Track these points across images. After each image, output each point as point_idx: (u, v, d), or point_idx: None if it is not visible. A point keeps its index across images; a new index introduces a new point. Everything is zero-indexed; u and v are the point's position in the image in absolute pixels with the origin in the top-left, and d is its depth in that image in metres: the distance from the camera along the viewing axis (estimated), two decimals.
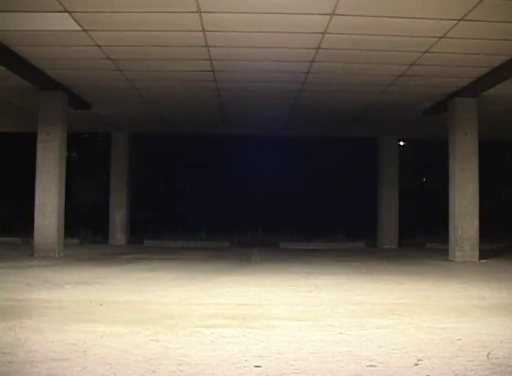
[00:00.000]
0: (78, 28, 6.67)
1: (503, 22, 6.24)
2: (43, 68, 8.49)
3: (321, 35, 6.88)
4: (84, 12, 6.23)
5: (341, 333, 3.46)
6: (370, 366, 2.70)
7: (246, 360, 2.77)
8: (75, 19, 6.41)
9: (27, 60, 8.02)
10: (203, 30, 6.76)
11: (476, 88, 8.96)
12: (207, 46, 7.36)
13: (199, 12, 6.16)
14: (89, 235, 13.84)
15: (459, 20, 6.24)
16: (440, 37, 6.83)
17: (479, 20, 6.22)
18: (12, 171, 16.58)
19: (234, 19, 6.44)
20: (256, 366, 2.66)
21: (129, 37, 7.09)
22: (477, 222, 9.54)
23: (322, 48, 7.37)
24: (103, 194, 15.24)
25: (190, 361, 2.75)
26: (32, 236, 9.64)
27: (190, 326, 3.63)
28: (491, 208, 14.03)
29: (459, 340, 3.26)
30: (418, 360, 2.78)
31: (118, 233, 13.96)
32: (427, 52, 7.40)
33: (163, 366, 2.66)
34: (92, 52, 7.57)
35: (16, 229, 13.98)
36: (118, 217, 14.04)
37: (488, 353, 2.93)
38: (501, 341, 3.23)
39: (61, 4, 5.93)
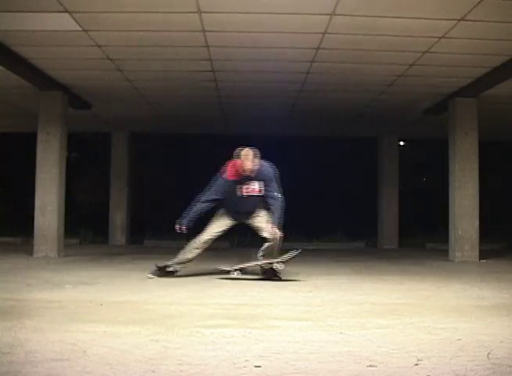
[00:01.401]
0: (78, 28, 6.67)
1: (503, 22, 6.24)
2: (43, 68, 8.49)
3: (321, 35, 6.88)
4: (84, 12, 6.23)
5: (341, 333, 3.46)
6: (370, 366, 2.70)
7: (246, 360, 2.77)
8: (75, 19, 6.41)
9: (27, 60, 8.02)
10: (203, 30, 6.76)
11: (476, 88, 8.96)
12: (207, 46, 7.36)
13: (199, 12, 6.16)
14: (89, 235, 13.83)
15: (459, 20, 6.24)
16: (440, 38, 6.82)
17: (479, 20, 6.22)
18: (12, 171, 16.57)
19: (234, 19, 6.44)
20: (256, 367, 2.66)
21: (129, 37, 7.09)
22: (477, 222, 9.53)
23: (322, 48, 7.37)
24: (103, 194, 15.23)
25: (190, 361, 2.75)
26: (32, 236, 9.64)
27: (190, 326, 3.63)
28: (491, 208, 14.01)
29: (459, 340, 3.25)
30: (418, 360, 2.78)
31: (118, 233, 13.95)
32: (427, 52, 7.39)
33: (163, 366, 2.66)
34: (92, 52, 7.57)
35: (16, 229, 13.97)
36: (118, 217, 14.04)
37: (489, 353, 2.92)
38: (501, 341, 3.23)
39: (61, 4, 5.93)
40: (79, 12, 6.22)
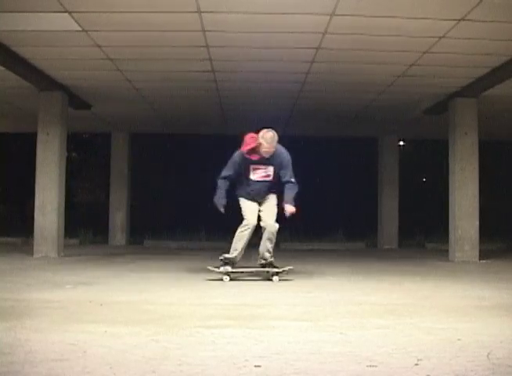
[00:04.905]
0: (78, 28, 6.67)
1: (503, 22, 6.23)
2: (43, 68, 8.49)
3: (321, 35, 6.87)
4: (84, 12, 6.23)
5: (341, 333, 3.46)
6: (370, 366, 2.70)
7: (246, 360, 2.77)
8: (75, 20, 6.40)
9: (28, 61, 8.02)
10: (203, 30, 6.76)
11: (476, 88, 8.96)
12: (207, 46, 7.36)
13: (199, 12, 6.16)
14: (89, 235, 13.83)
15: (459, 20, 6.24)
16: (440, 38, 6.82)
17: (479, 20, 6.21)
18: (12, 171, 16.58)
19: (234, 19, 6.44)
20: (256, 367, 2.66)
21: (129, 37, 7.09)
22: (477, 222, 9.53)
23: (322, 48, 7.37)
24: (103, 194, 15.24)
25: (190, 361, 2.75)
26: (32, 236, 9.64)
27: (190, 326, 3.63)
28: (491, 208, 14.02)
29: (459, 340, 3.25)
30: (418, 360, 2.78)
31: (118, 234, 13.95)
32: (426, 52, 7.39)
33: (163, 366, 2.66)
34: (92, 52, 7.57)
35: (16, 229, 13.97)
36: (118, 217, 14.04)
37: (488, 353, 2.92)
38: (501, 342, 3.23)
39: (61, 4, 5.93)
40: (79, 12, 6.21)
